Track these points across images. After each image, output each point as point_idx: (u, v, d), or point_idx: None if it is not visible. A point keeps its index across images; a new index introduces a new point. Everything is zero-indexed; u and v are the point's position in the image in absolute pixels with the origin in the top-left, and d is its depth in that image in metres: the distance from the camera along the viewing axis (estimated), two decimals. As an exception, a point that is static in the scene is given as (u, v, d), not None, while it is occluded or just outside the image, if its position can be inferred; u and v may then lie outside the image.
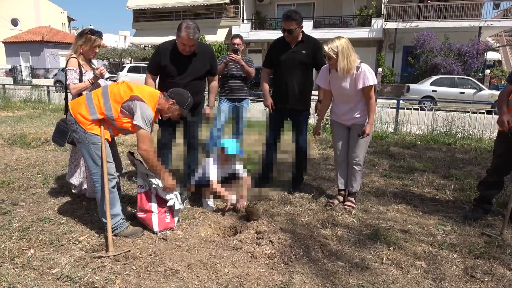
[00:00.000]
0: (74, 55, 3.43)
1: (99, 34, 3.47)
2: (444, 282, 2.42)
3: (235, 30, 22.69)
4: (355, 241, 2.94)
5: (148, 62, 4.04)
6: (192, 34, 3.24)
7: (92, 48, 3.46)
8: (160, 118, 3.17)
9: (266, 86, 4.03)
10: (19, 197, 3.70)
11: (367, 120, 3.45)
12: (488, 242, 2.94)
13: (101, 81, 3.54)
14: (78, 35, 3.51)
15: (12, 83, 23.91)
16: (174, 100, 2.89)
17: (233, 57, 4.54)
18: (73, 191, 3.71)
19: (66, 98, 3.58)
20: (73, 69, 3.38)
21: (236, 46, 4.70)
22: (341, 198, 3.75)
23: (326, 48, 3.30)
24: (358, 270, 2.54)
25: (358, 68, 3.31)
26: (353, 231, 3.13)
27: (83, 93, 3.35)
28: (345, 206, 3.60)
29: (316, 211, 3.52)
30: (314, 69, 3.86)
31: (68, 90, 3.47)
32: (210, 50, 3.72)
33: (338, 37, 3.34)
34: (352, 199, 3.69)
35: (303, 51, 3.73)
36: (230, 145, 3.46)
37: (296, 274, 2.45)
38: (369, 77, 3.30)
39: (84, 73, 3.45)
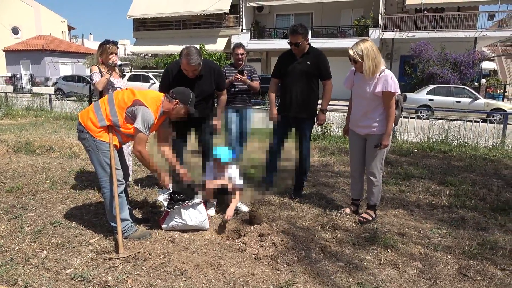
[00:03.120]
0: (95, 65, 3.93)
1: (114, 43, 3.97)
2: (439, 281, 2.56)
3: (234, 40, 22.91)
4: (354, 244, 3.07)
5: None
6: (191, 61, 3.28)
7: (108, 56, 3.91)
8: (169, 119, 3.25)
9: (272, 97, 4.15)
10: (29, 202, 3.82)
11: (384, 130, 3.33)
12: (481, 244, 3.07)
13: (117, 82, 4.01)
14: (98, 48, 3.99)
15: (12, 91, 24.04)
16: (177, 100, 3.01)
17: (238, 77, 4.62)
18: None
19: (90, 102, 4.05)
20: (95, 72, 3.92)
21: (239, 56, 4.79)
22: (353, 208, 3.78)
23: (351, 51, 3.26)
24: (357, 270, 2.67)
25: (381, 72, 3.28)
26: (352, 234, 3.26)
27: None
28: (360, 218, 3.54)
29: (316, 216, 3.65)
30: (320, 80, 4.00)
31: (93, 95, 3.94)
32: (215, 68, 3.66)
33: (363, 40, 3.29)
34: (371, 211, 3.58)
35: (308, 62, 3.91)
36: (223, 153, 3.49)
37: (298, 274, 2.58)
38: (389, 83, 3.23)
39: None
